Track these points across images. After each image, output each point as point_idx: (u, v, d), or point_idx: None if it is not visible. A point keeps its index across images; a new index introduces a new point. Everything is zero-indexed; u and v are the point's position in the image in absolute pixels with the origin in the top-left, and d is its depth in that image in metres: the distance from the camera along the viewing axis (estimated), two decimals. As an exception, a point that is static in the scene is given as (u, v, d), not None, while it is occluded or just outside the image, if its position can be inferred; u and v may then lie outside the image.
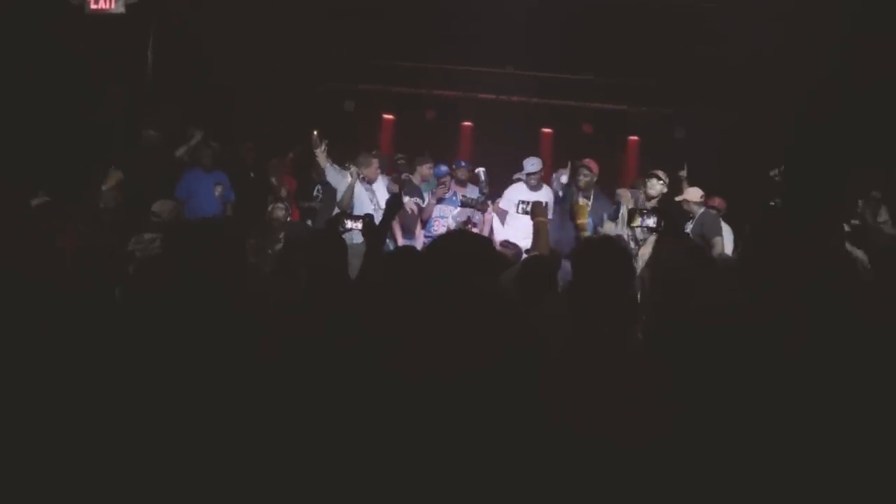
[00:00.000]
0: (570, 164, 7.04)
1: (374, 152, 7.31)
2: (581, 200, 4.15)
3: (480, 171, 7.10)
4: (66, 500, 1.99)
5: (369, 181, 6.46)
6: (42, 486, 1.99)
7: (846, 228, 6.13)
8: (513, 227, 6.59)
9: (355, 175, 6.32)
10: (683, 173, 7.02)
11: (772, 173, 7.30)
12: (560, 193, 6.80)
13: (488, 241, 2.02)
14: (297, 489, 2.02)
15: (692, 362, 1.95)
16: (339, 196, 6.34)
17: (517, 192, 7.02)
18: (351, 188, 6.28)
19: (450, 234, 2.31)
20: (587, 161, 6.63)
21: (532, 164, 7.02)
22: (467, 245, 1.89)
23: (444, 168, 7.34)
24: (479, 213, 6.77)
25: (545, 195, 6.81)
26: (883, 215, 6.47)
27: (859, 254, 5.82)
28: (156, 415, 2.11)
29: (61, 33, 6.48)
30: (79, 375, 2.22)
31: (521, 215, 5.60)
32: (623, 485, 1.77)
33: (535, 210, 3.78)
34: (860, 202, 6.44)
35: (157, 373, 2.23)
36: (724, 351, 1.92)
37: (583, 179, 6.50)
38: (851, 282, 2.12)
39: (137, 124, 6.65)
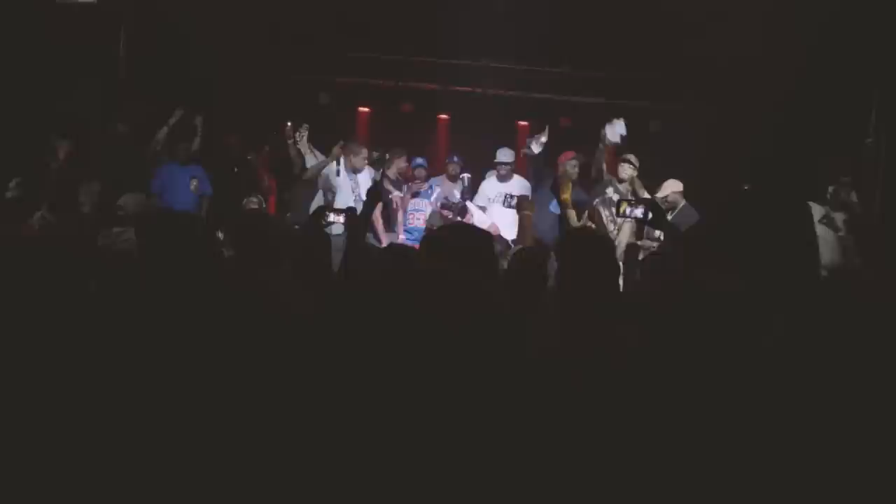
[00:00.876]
0: (547, 127, 7.06)
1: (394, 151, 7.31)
2: (565, 178, 4.09)
3: (465, 176, 7.05)
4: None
5: (354, 170, 6.40)
6: (25, 487, 1.95)
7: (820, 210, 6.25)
8: (496, 220, 6.60)
9: (338, 158, 6.29)
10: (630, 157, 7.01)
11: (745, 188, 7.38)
12: (535, 151, 6.74)
13: (487, 234, 2.00)
14: (280, 487, 2.00)
15: (683, 353, 1.95)
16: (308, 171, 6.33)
17: (490, 186, 7.04)
18: (322, 165, 6.24)
19: (449, 227, 2.29)
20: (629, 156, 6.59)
21: (504, 154, 7.05)
22: (467, 238, 1.88)
23: (419, 160, 7.33)
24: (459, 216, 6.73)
25: (516, 186, 6.83)
26: (853, 198, 6.59)
27: (848, 237, 5.93)
28: (134, 411, 2.08)
29: (31, 24, 6.35)
30: (55, 370, 2.18)
31: (505, 209, 5.63)
32: (617, 478, 1.77)
33: (521, 204, 3.78)
34: (830, 189, 6.55)
35: (134, 367, 2.20)
36: (713, 339, 1.93)
37: (627, 171, 6.49)
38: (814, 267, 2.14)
39: (109, 118, 6.53)
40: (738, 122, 8.26)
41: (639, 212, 2.83)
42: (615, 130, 6.70)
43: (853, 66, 7.07)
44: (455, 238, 1.89)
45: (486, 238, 1.94)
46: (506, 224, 6.27)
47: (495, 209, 6.68)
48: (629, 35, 8.34)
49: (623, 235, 5.94)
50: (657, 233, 5.84)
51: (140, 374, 2.04)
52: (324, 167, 6.28)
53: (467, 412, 1.75)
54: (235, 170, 7.32)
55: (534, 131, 7.54)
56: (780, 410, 1.83)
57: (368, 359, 1.89)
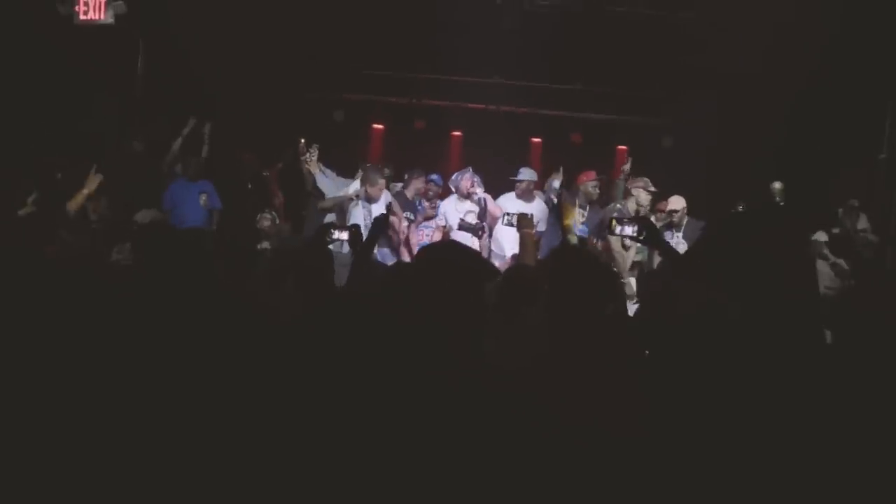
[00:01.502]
0: (561, 169, 7.08)
1: (384, 170, 7.31)
2: (568, 202, 4.16)
3: (485, 198, 6.98)
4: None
5: (370, 199, 6.42)
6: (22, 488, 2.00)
7: (824, 237, 6.21)
8: (500, 237, 6.61)
9: (359, 191, 6.33)
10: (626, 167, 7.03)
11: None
12: (554, 199, 6.80)
13: (474, 251, 2.03)
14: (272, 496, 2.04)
15: (672, 370, 1.97)
16: (325, 197, 6.37)
17: (507, 202, 7.05)
18: (342, 199, 6.29)
19: (436, 244, 2.33)
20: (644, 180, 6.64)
21: (524, 174, 7.06)
22: (453, 255, 1.91)
23: (434, 176, 7.37)
24: (477, 238, 6.72)
25: (536, 207, 6.85)
26: (863, 223, 6.55)
27: (840, 262, 5.90)
28: (136, 419, 2.13)
29: (51, 44, 6.49)
30: (61, 379, 2.23)
31: (507, 227, 5.61)
32: (602, 493, 1.79)
33: (521, 222, 3.79)
34: (840, 210, 6.51)
35: (136, 380, 2.25)
36: (703, 359, 1.94)
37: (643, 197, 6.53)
38: (810, 288, 2.15)
39: (126, 135, 6.66)
40: (749, 138, 8.25)
41: (630, 230, 2.84)
42: (553, 187, 6.83)
43: (866, 79, 7.05)
44: (442, 256, 1.92)
45: (474, 255, 1.98)
46: (507, 241, 6.28)
47: (503, 228, 6.69)
48: (640, 52, 8.37)
49: (630, 254, 5.97)
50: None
51: (134, 384, 2.09)
52: (342, 201, 6.34)
53: (444, 425, 1.79)
54: (249, 186, 7.40)
55: (547, 170, 7.59)
56: (769, 437, 1.84)
57: (354, 368, 1.94)
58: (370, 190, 6.36)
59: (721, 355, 1.93)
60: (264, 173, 7.99)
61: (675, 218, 6.65)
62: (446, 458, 1.75)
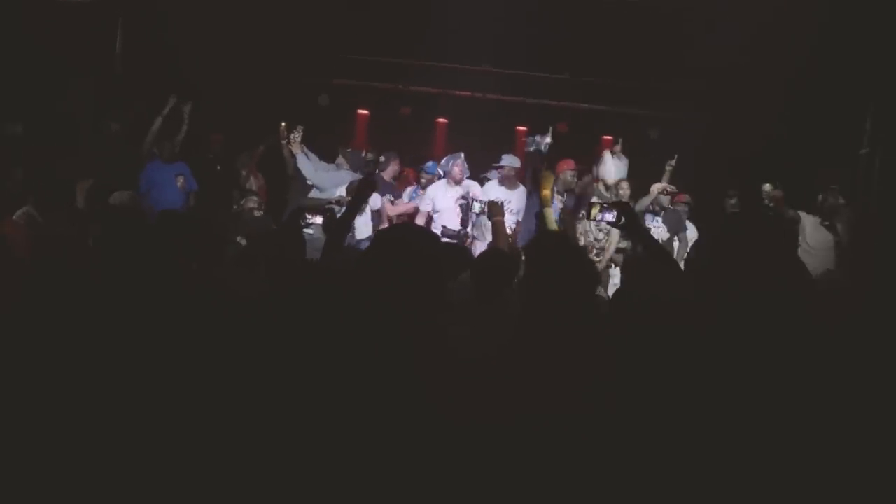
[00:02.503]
0: (550, 129, 7.04)
1: (366, 155, 7.26)
2: (547, 172, 4.10)
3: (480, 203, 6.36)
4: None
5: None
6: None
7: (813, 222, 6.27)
8: (482, 224, 6.55)
9: (343, 199, 6.29)
10: (672, 163, 7.07)
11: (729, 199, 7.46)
12: (542, 149, 6.73)
13: (434, 235, 1.97)
14: (257, 487, 1.99)
15: (643, 356, 1.93)
16: (326, 184, 6.29)
17: (490, 189, 7.00)
18: (323, 202, 6.21)
19: (394, 227, 2.27)
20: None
21: (506, 160, 7.01)
22: (413, 240, 1.86)
23: (430, 164, 7.34)
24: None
25: (518, 194, 6.80)
26: (840, 201, 6.59)
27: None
28: (112, 409, 2.07)
29: (27, 22, 6.35)
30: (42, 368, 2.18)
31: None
32: (571, 480, 1.75)
33: (492, 210, 3.75)
34: (819, 196, 6.56)
35: (106, 365, 2.19)
36: (673, 346, 1.90)
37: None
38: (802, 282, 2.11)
39: (103, 115, 6.54)
40: (734, 131, 8.23)
41: (610, 216, 2.79)
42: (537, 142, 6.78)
43: (848, 75, 7.05)
44: (404, 239, 1.87)
45: (434, 238, 1.92)
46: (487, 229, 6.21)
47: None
48: (628, 43, 8.32)
49: (612, 242, 5.93)
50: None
51: (93, 370, 2.03)
52: (322, 204, 6.30)
53: (409, 412, 1.73)
54: (218, 167, 7.33)
55: (534, 133, 7.54)
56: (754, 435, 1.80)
57: (310, 352, 1.88)
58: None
59: (688, 344, 1.90)
60: (240, 155, 7.91)
61: (661, 199, 6.69)
62: (404, 448, 1.70)
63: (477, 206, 5.42)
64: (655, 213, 6.77)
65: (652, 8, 8.10)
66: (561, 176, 6.65)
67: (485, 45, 9.04)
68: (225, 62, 8.20)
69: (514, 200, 6.71)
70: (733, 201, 7.47)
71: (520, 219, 6.59)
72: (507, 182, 6.95)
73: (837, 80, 7.06)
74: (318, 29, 8.74)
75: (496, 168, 7.10)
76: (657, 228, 6.77)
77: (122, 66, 7.11)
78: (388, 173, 7.17)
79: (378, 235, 1.97)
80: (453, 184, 6.81)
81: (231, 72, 8.36)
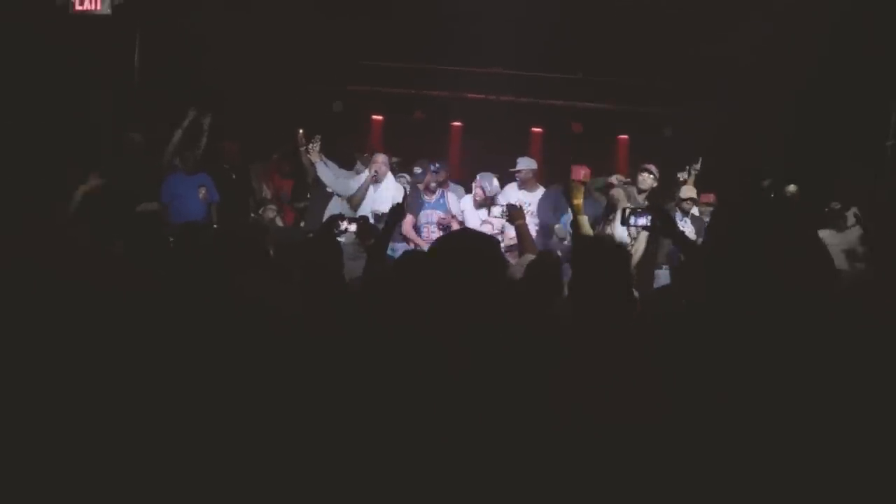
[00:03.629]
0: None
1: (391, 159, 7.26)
2: (576, 182, 4.07)
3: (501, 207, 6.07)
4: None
5: (377, 181, 6.38)
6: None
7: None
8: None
9: (371, 174, 6.30)
10: (696, 167, 7.03)
11: (764, 183, 7.40)
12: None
13: (494, 240, 1.98)
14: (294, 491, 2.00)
15: (685, 356, 1.93)
16: (349, 191, 6.29)
17: (510, 193, 6.97)
18: (364, 187, 6.23)
19: (455, 233, 2.28)
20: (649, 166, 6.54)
21: (522, 163, 6.99)
22: (474, 244, 1.86)
23: (437, 165, 7.30)
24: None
25: (538, 196, 6.78)
26: (850, 220, 6.56)
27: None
28: (148, 416, 2.09)
29: (46, 34, 6.39)
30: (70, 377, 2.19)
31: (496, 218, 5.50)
32: (619, 478, 1.75)
33: (513, 214, 3.74)
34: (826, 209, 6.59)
35: (149, 376, 2.20)
36: (714, 345, 1.90)
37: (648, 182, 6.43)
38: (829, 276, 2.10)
39: (123, 127, 6.57)
40: (753, 126, 8.20)
41: (643, 220, 2.79)
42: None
43: (871, 66, 6.99)
44: (461, 246, 1.87)
45: (493, 244, 1.93)
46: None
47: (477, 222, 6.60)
48: (641, 41, 8.31)
49: (640, 246, 5.93)
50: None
51: (128, 382, 2.05)
52: (364, 190, 6.29)
53: (469, 419, 1.74)
54: (234, 177, 7.33)
55: (547, 160, 7.50)
56: (793, 429, 1.79)
57: (369, 365, 1.89)
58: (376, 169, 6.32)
59: (729, 350, 1.89)
60: (253, 165, 7.93)
61: (686, 206, 6.66)
62: (467, 455, 1.71)
63: (497, 211, 5.41)
64: (685, 214, 6.75)
65: (665, 5, 8.09)
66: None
67: (497, 47, 9.03)
68: (240, 71, 8.23)
69: (533, 203, 6.70)
70: (767, 183, 7.43)
71: (537, 222, 6.58)
72: (526, 185, 6.94)
73: (860, 71, 7.01)
74: (331, 36, 8.76)
75: (514, 172, 7.08)
76: (686, 230, 6.77)
77: (141, 77, 7.13)
78: (424, 184, 7.12)
79: (441, 242, 1.97)
80: (478, 207, 6.80)
81: (246, 80, 8.39)
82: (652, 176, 6.43)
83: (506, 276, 1.97)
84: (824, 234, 6.49)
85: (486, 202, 6.76)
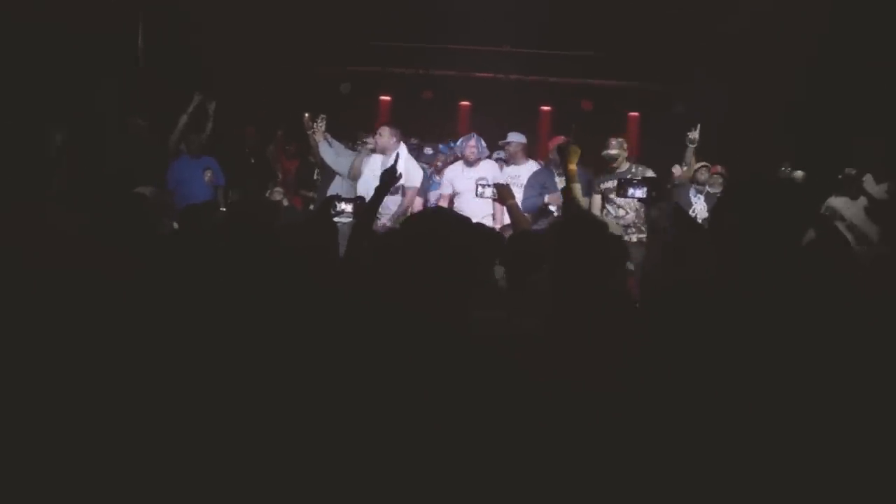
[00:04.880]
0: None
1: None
2: (574, 146, 3.99)
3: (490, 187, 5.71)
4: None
5: (383, 151, 6.26)
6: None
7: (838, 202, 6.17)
8: (464, 208, 6.38)
9: (369, 147, 6.24)
10: (695, 134, 6.89)
11: (783, 168, 7.28)
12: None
13: (466, 220, 1.94)
14: (291, 479, 2.00)
15: (679, 334, 1.90)
16: (346, 168, 6.26)
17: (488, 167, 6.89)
18: (362, 158, 6.17)
19: (424, 212, 2.25)
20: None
21: (512, 136, 6.96)
22: (441, 224, 1.83)
23: (443, 146, 7.28)
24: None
25: (526, 170, 6.69)
26: (870, 184, 6.42)
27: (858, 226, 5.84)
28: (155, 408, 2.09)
29: (48, 18, 6.39)
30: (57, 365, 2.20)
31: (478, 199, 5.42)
32: (606, 462, 1.73)
33: (503, 194, 3.66)
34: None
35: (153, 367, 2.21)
36: (711, 324, 1.87)
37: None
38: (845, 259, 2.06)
39: (127, 112, 6.57)
40: (764, 104, 8.08)
41: (640, 192, 2.75)
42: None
43: (885, 40, 6.85)
44: (435, 223, 1.84)
45: (467, 224, 1.90)
46: (477, 215, 5.88)
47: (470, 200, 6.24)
48: (651, 17, 8.20)
49: (630, 218, 5.88)
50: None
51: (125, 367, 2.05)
52: (362, 159, 6.22)
53: (443, 401, 1.72)
54: (253, 161, 7.34)
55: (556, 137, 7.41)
56: (781, 409, 1.77)
57: (343, 342, 1.88)
58: (380, 141, 6.23)
59: (729, 328, 1.86)
60: (269, 147, 7.94)
61: (700, 176, 6.61)
62: (435, 436, 1.69)
63: (489, 192, 5.28)
64: (699, 191, 6.67)
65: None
66: (552, 153, 6.63)
67: (505, 26, 8.95)
68: (246, 54, 8.21)
69: (522, 175, 6.63)
70: (787, 170, 7.32)
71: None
72: (514, 158, 6.89)
73: (873, 46, 6.87)
74: (337, 17, 8.72)
75: (503, 145, 7.04)
76: (700, 206, 6.70)
77: (145, 61, 7.13)
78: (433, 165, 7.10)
79: (407, 222, 1.94)
80: (469, 165, 6.72)
81: (253, 64, 8.37)
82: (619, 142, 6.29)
83: (479, 260, 1.94)
84: (838, 202, 6.41)
85: (477, 160, 6.69)
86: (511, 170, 6.75)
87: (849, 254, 2.22)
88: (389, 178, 3.45)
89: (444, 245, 1.77)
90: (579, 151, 3.31)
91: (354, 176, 6.18)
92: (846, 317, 1.94)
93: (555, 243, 2.08)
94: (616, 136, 6.23)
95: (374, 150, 6.25)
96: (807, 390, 1.75)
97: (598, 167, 6.41)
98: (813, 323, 1.85)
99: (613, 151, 5.99)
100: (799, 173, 7.14)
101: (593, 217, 2.78)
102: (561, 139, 6.51)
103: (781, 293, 1.90)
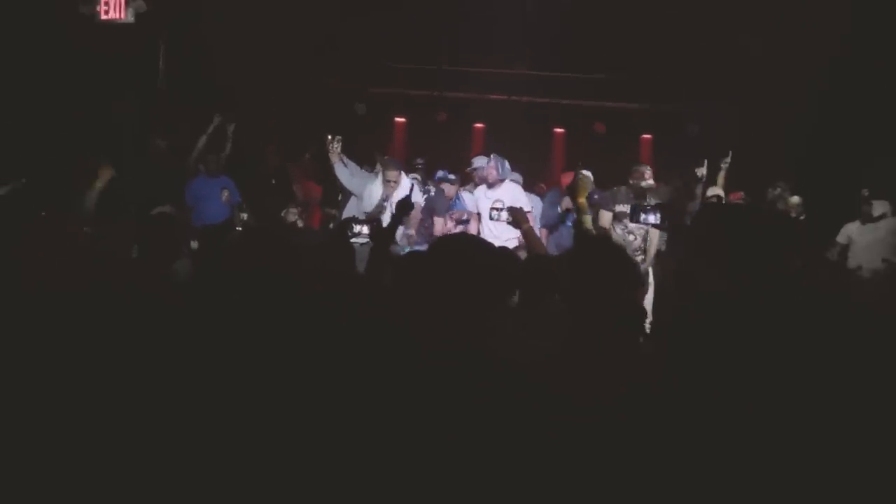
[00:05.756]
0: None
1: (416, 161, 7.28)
2: (583, 175, 4.01)
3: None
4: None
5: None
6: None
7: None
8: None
9: (384, 184, 6.24)
10: (727, 161, 6.95)
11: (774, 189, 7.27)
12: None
13: (493, 246, 1.99)
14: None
15: (693, 357, 1.93)
16: (365, 204, 6.25)
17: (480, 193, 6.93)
18: (381, 207, 6.13)
19: (453, 236, 2.30)
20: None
21: (477, 162, 6.99)
22: (470, 250, 1.88)
23: (443, 174, 7.31)
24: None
25: (505, 193, 6.70)
26: (881, 208, 6.44)
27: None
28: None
29: (72, 42, 6.54)
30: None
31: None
32: (624, 481, 1.76)
33: (518, 217, 3.71)
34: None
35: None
36: (724, 345, 1.90)
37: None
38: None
39: (148, 132, 6.69)
40: (776, 125, 8.11)
41: (654, 218, 2.79)
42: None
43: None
44: (464, 248, 1.89)
45: (496, 250, 1.95)
46: (501, 238, 5.80)
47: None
48: (663, 39, 8.27)
49: (651, 245, 5.89)
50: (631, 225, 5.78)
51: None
52: (380, 208, 6.19)
53: (466, 420, 1.76)
54: (273, 181, 7.43)
55: (570, 160, 7.43)
56: (796, 427, 1.79)
57: (357, 360, 1.92)
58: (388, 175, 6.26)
59: (737, 345, 1.88)
60: (288, 165, 8.02)
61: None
62: (451, 454, 1.72)
63: (504, 216, 5.28)
64: None
65: (684, 3, 8.04)
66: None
67: (519, 48, 9.04)
68: (263, 74, 8.34)
69: (503, 198, 6.51)
70: (777, 192, 7.30)
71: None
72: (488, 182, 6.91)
73: (884, 68, 6.89)
74: (354, 39, 8.84)
75: (469, 172, 7.12)
76: None
77: (165, 83, 7.26)
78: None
79: (433, 247, 1.99)
80: (490, 187, 6.75)
81: (270, 84, 8.49)
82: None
83: (503, 285, 1.97)
84: (851, 228, 6.41)
85: (497, 182, 6.71)
86: (490, 193, 6.68)
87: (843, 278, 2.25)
88: (404, 209, 3.56)
89: (470, 268, 1.81)
90: (588, 186, 3.41)
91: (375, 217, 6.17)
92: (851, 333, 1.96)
93: (573, 265, 2.12)
94: (644, 163, 6.31)
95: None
96: (822, 408, 1.78)
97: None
98: (815, 339, 1.88)
99: (651, 182, 6.06)
100: (795, 199, 7.08)
101: (611, 240, 2.82)
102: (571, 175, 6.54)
103: (782, 314, 1.93)
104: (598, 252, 2.26)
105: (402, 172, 6.45)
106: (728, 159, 6.92)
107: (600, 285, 2.11)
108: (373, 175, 6.70)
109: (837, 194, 7.07)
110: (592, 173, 6.73)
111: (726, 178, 6.95)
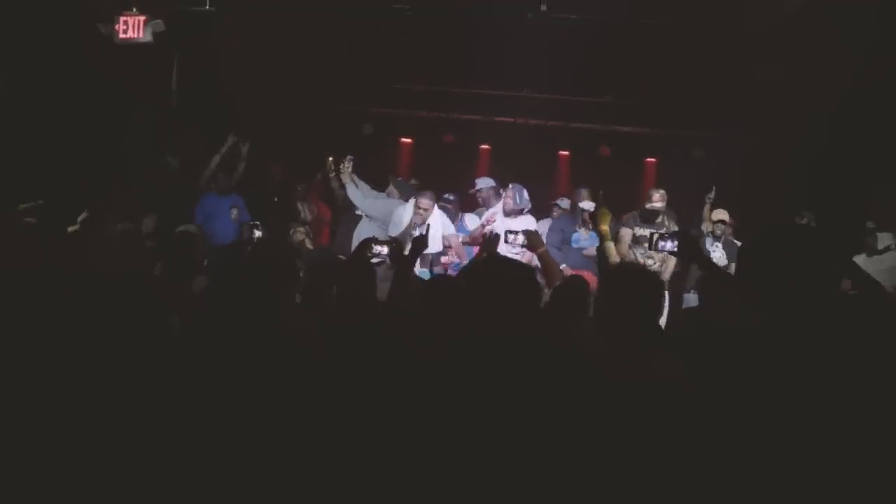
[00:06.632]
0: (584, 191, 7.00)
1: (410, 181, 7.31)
2: (604, 209, 4.05)
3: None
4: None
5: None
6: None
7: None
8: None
9: (415, 211, 6.24)
10: (710, 196, 7.07)
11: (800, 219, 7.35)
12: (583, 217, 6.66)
13: (528, 267, 2.04)
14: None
15: (711, 380, 1.96)
16: (391, 228, 6.27)
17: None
18: (410, 228, 6.17)
19: (490, 260, 2.34)
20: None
21: (480, 182, 7.06)
22: (509, 271, 1.92)
23: (451, 196, 7.34)
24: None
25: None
26: (885, 240, 6.51)
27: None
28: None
29: (86, 60, 6.58)
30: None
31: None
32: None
33: (533, 241, 3.74)
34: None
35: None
36: (742, 370, 1.93)
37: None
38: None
39: (160, 150, 6.74)
40: (782, 149, 8.17)
41: (671, 245, 2.83)
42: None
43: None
44: (497, 270, 1.93)
45: (528, 270, 1.99)
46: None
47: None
48: (669, 64, 8.33)
49: (668, 269, 5.95)
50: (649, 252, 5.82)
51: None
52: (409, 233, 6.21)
53: (500, 442, 1.79)
54: (276, 199, 7.46)
55: (576, 182, 7.48)
56: (816, 447, 1.81)
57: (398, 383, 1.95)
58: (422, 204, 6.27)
59: (754, 374, 1.91)
60: (298, 187, 8.06)
61: (719, 230, 6.69)
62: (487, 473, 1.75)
63: (520, 239, 5.30)
64: (717, 239, 6.76)
65: (691, 28, 8.10)
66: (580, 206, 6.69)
67: (526, 71, 9.10)
68: (273, 95, 8.39)
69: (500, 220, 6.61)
70: (805, 220, 7.38)
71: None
72: (488, 202, 7.06)
73: (891, 92, 6.94)
74: (362, 60, 8.90)
75: (473, 193, 7.17)
76: (717, 255, 6.76)
77: (178, 102, 7.31)
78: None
79: (473, 269, 2.04)
80: (506, 216, 6.76)
81: (281, 105, 8.55)
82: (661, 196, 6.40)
83: (537, 302, 2.02)
84: (857, 261, 6.47)
85: (514, 212, 6.72)
86: (508, 223, 6.73)
87: (885, 301, 2.28)
88: (420, 246, 3.65)
89: (506, 285, 1.86)
90: (609, 215, 3.48)
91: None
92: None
93: (601, 288, 2.16)
94: (657, 188, 6.37)
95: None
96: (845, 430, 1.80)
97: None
98: (849, 364, 1.90)
99: (658, 205, 6.14)
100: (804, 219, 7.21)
101: (641, 267, 2.85)
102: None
103: (818, 339, 1.96)
104: (630, 277, 2.30)
105: (435, 204, 6.46)
106: (712, 194, 7.04)
107: (632, 308, 2.15)
108: (395, 199, 6.69)
109: (842, 225, 7.13)
110: (599, 196, 6.82)
111: (711, 211, 7.04)
